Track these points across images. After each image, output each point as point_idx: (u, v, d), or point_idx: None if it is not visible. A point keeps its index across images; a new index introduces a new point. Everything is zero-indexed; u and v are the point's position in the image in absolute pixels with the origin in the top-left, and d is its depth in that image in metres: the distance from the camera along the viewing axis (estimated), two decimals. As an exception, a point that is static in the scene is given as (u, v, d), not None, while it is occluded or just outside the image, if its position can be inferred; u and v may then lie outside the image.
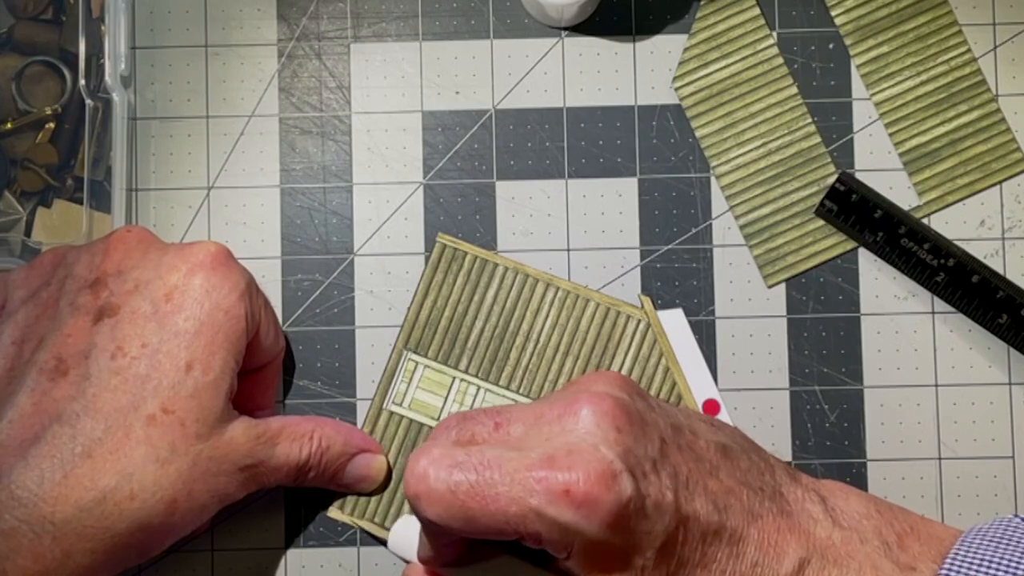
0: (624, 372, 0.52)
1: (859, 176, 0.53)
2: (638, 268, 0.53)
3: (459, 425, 0.43)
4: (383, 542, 0.51)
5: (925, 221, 0.53)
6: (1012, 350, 0.52)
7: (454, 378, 0.52)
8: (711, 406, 0.52)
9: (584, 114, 0.53)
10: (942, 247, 0.52)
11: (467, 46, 0.54)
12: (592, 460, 0.38)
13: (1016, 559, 0.39)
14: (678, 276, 0.53)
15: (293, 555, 0.51)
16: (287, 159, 0.53)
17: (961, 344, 0.52)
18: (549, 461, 0.39)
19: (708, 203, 0.53)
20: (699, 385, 0.52)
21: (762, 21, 0.53)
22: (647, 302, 0.52)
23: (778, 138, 0.53)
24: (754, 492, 0.41)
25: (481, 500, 0.39)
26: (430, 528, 0.42)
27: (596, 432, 0.40)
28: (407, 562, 0.46)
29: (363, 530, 0.51)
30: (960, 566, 0.39)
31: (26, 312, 0.45)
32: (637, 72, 0.53)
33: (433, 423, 0.52)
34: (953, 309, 0.52)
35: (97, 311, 0.44)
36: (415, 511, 0.41)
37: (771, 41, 0.53)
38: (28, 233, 0.52)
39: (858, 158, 0.53)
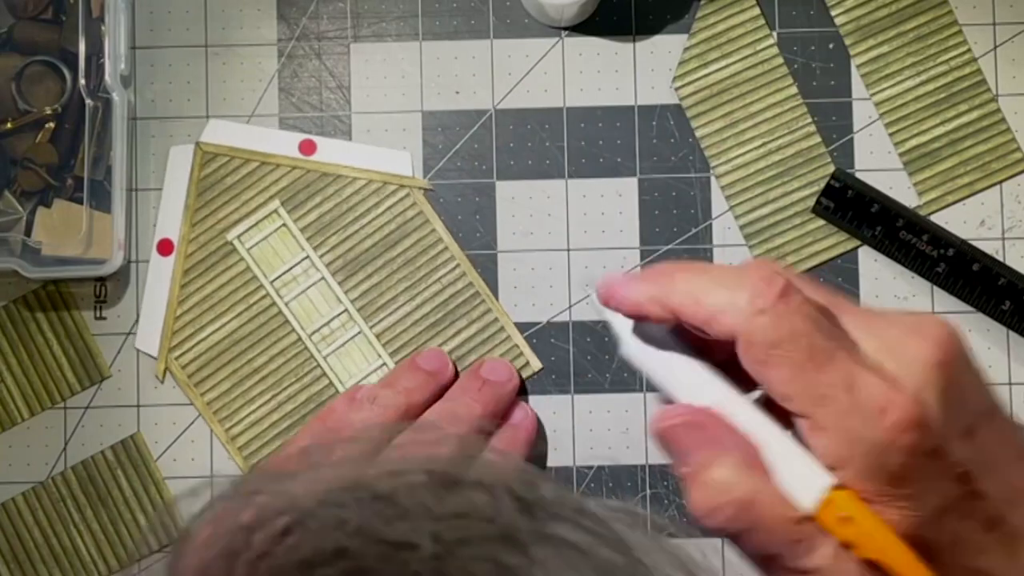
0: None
1: (859, 176, 0.53)
2: (638, 268, 0.53)
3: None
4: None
5: (925, 221, 0.53)
6: (1012, 350, 0.52)
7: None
8: (711, 406, 0.52)
9: (584, 114, 0.53)
10: (941, 237, 0.52)
11: (467, 46, 0.54)
12: (909, 402, 0.37)
13: None
14: (678, 276, 0.53)
15: (293, 555, 0.51)
16: (287, 159, 0.53)
17: (961, 344, 0.52)
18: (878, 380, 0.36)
19: (708, 203, 0.53)
20: (699, 385, 0.52)
21: (762, 21, 0.53)
22: (647, 302, 0.52)
23: (778, 138, 0.53)
24: None
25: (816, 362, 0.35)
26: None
27: (928, 377, 0.38)
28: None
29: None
30: None
31: None
32: (637, 72, 0.53)
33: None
34: (954, 309, 0.52)
35: None
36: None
37: (771, 41, 0.53)
38: (28, 233, 0.52)
39: (858, 158, 0.53)
